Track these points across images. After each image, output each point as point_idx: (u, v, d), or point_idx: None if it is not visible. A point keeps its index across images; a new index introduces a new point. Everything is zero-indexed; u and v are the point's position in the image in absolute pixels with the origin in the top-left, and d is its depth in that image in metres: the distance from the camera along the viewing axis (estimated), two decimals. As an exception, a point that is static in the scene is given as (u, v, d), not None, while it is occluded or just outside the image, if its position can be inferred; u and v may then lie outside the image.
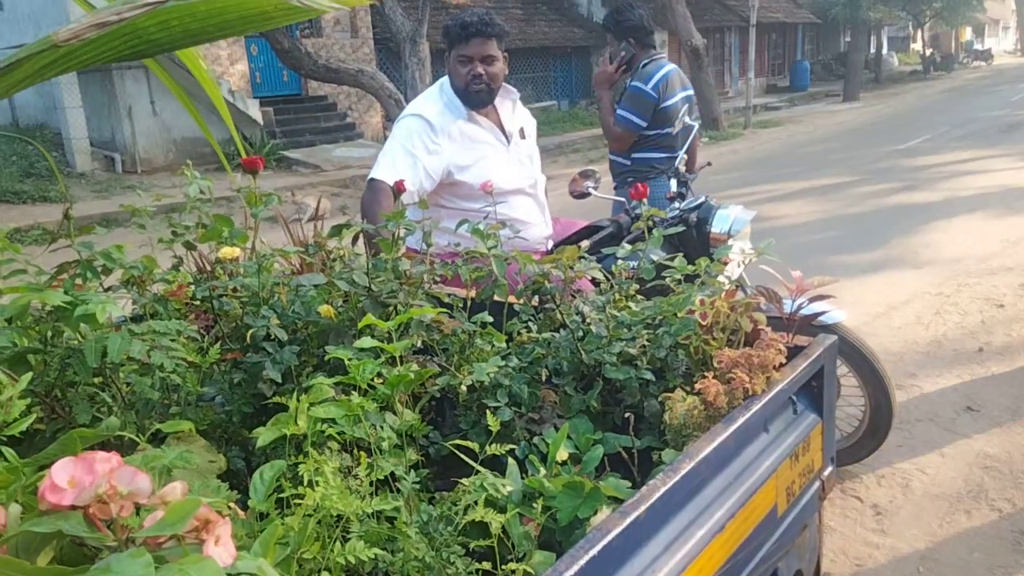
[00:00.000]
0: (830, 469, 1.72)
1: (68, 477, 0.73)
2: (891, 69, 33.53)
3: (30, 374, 0.99)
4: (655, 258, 1.77)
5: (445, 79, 2.68)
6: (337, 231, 1.57)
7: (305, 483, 0.98)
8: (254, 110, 14.55)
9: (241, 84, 15.17)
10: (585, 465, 1.40)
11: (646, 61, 3.62)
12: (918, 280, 5.86)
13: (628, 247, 1.72)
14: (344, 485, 0.98)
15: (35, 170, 11.70)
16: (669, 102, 3.57)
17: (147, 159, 13.48)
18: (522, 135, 2.79)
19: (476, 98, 2.61)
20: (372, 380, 1.17)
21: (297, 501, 0.95)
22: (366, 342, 1.21)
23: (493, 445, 1.22)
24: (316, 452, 1.07)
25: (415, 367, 1.26)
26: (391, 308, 1.45)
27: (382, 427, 1.14)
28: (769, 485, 1.45)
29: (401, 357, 1.23)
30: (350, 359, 1.18)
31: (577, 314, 1.55)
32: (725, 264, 1.73)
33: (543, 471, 1.33)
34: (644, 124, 3.56)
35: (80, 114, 12.57)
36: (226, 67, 14.86)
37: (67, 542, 0.78)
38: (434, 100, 2.65)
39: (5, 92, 1.09)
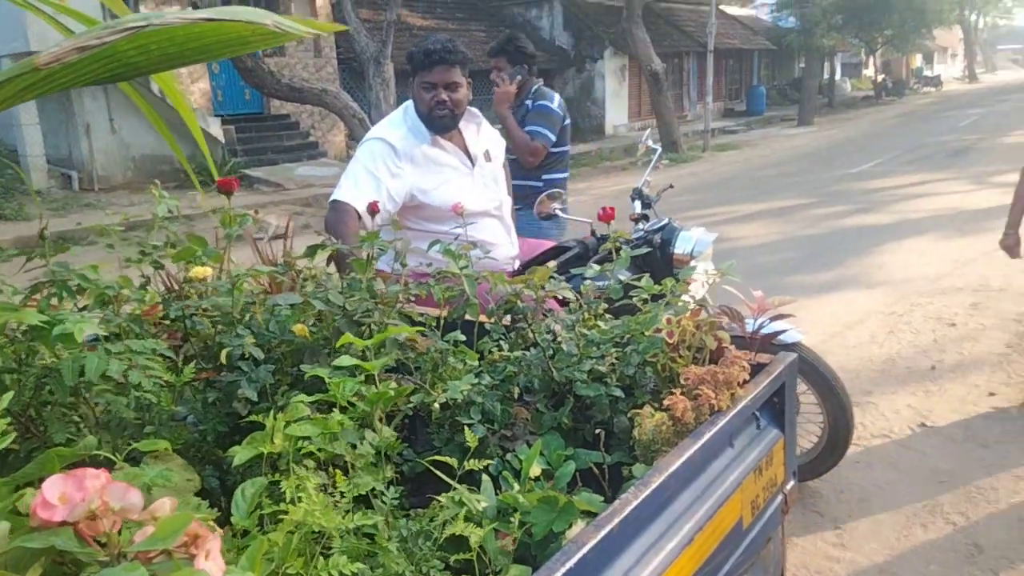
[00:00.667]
0: (792, 483, 1.77)
1: (59, 493, 0.74)
2: (844, 94, 34.41)
3: (10, 393, 0.99)
4: (622, 278, 1.82)
5: (409, 103, 2.71)
6: (312, 251, 1.59)
7: (288, 499, 0.99)
8: (215, 128, 14.44)
9: (202, 102, 15.06)
10: (557, 481, 1.43)
11: (536, 86, 3.88)
12: (872, 300, 6.02)
13: (596, 267, 1.77)
14: (325, 501, 1.00)
15: (-11, 188, 11.45)
16: (567, 121, 3.91)
17: (105, 177, 13.27)
18: (487, 157, 2.82)
19: (440, 124, 2.64)
20: (351, 398, 1.18)
21: (281, 517, 0.96)
22: (345, 360, 1.23)
23: (470, 461, 1.24)
24: (297, 469, 1.09)
25: (393, 384, 1.28)
26: (365, 328, 1.47)
27: (361, 444, 1.16)
28: (735, 499, 1.50)
29: (377, 375, 1.25)
30: (329, 377, 1.19)
31: (548, 332, 1.58)
32: (689, 284, 1.78)
33: (517, 487, 1.36)
34: (555, 139, 3.81)
35: (37, 131, 12.35)
36: (187, 85, 14.72)
37: (50, 560, 0.79)
38: (398, 124, 2.68)
39: (-15, 113, 1.09)
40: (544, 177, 3.85)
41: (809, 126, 23.56)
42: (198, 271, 1.67)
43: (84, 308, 1.33)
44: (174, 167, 14.35)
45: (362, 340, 1.30)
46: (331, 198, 2.51)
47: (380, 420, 1.21)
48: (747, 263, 6.86)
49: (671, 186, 3.51)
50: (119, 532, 0.74)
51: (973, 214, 8.78)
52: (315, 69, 16.64)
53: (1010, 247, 3.87)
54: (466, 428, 1.34)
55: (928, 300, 5.92)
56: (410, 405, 1.45)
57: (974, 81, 47.67)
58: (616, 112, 22.73)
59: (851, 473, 3.41)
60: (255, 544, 0.84)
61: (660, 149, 3.53)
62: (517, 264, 2.87)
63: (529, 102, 3.80)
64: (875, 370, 4.63)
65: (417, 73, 2.62)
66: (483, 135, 2.86)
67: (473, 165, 2.74)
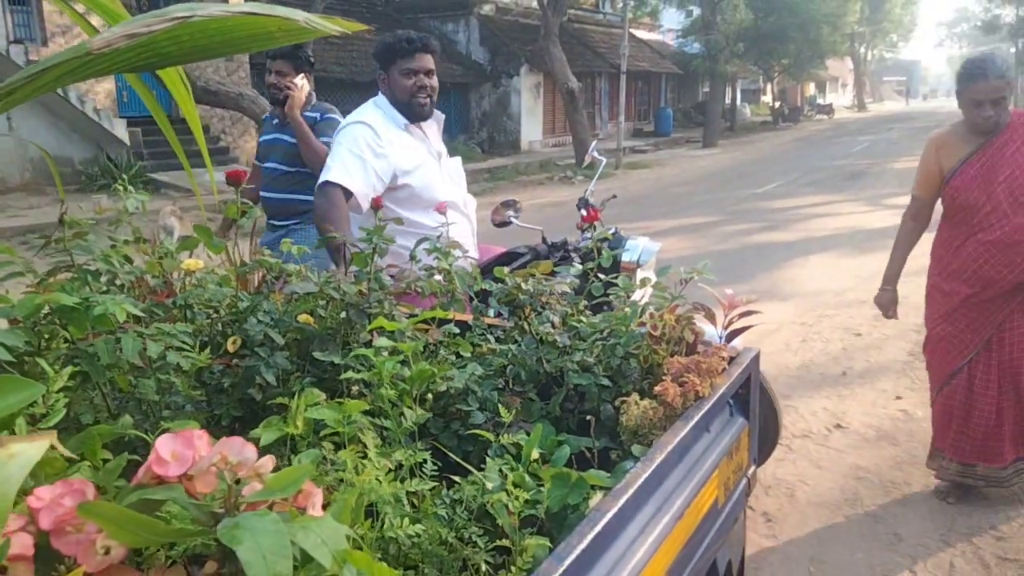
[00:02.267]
0: (753, 468, 1.91)
1: (171, 451, 0.78)
2: (744, 119, 36.00)
3: (71, 367, 1.00)
4: (568, 281, 1.94)
5: (375, 99, 2.77)
6: (321, 244, 1.63)
7: (350, 468, 1.04)
8: (120, 130, 13.93)
9: (107, 103, 14.50)
10: (554, 463, 1.52)
11: (314, 98, 3.66)
12: (784, 311, 6.36)
13: (579, 267, 1.87)
14: (385, 468, 1.05)
15: None
16: None
17: (1, 178, 12.60)
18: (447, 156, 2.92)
19: (419, 111, 2.70)
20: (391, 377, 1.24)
21: (351, 482, 1.01)
22: (384, 342, 1.29)
23: (501, 435, 1.31)
24: (331, 447, 1.14)
25: (427, 365, 1.34)
26: (371, 318, 1.52)
27: (403, 420, 1.22)
28: (713, 479, 1.62)
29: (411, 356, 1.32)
30: (375, 356, 1.25)
31: (547, 322, 1.67)
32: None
33: (519, 468, 1.44)
34: None
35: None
36: (90, 85, 14.15)
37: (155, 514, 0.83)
38: (370, 112, 2.72)
39: (32, 94, 1.10)
40: None
41: (713, 148, 24.54)
42: (190, 263, 1.68)
43: (107, 292, 1.34)
44: (75, 169, 13.74)
45: (394, 324, 1.36)
46: (319, 181, 2.50)
47: (415, 400, 1.27)
48: (665, 277, 7.12)
49: (614, 196, 3.67)
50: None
51: (870, 233, 9.37)
52: (227, 73, 16.28)
53: (885, 305, 3.40)
54: (499, 404, 1.41)
55: (835, 312, 6.30)
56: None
57: (863, 110, 50.71)
58: (531, 128, 23.10)
59: (777, 469, 3.63)
60: (339, 503, 0.89)
61: (604, 160, 3.68)
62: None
63: (315, 114, 3.53)
64: (791, 376, 4.91)
65: (396, 61, 2.67)
66: (440, 138, 2.93)
67: (439, 158, 2.81)
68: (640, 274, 2.98)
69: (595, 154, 3.72)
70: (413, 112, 2.70)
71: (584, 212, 3.38)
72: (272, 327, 1.39)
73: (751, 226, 10.51)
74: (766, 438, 3.30)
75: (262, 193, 3.59)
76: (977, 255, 2.99)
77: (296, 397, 1.29)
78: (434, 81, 2.72)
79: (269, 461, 0.82)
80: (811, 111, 42.79)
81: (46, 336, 1.22)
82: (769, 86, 38.02)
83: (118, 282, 1.38)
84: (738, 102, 35.66)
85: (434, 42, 2.72)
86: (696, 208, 12.36)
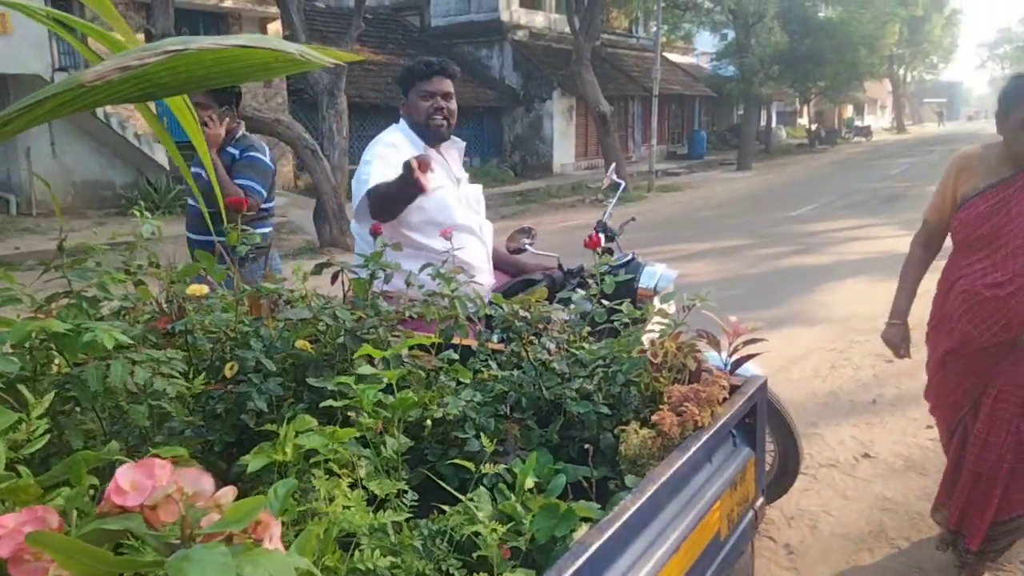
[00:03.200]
0: (761, 500, 1.87)
1: (130, 481, 0.78)
2: (780, 141, 35.71)
3: (51, 395, 1.02)
4: (572, 307, 1.92)
5: (396, 124, 2.81)
6: (318, 270, 1.64)
7: (322, 497, 1.04)
8: (160, 154, 14.25)
9: (147, 129, 14.83)
10: (549, 493, 1.50)
11: (241, 132, 3.48)
12: (813, 336, 6.25)
13: (582, 292, 1.86)
14: (357, 499, 1.05)
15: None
16: (275, 175, 3.56)
17: (44, 201, 12.95)
18: (467, 182, 2.94)
19: (436, 132, 2.75)
20: (372, 405, 1.24)
21: (320, 513, 1.01)
22: (366, 369, 1.29)
23: (486, 464, 1.30)
24: (322, 474, 1.14)
25: (411, 393, 1.34)
26: (368, 344, 1.52)
27: (384, 449, 1.22)
28: (714, 511, 1.59)
29: (395, 385, 1.32)
30: (355, 384, 1.25)
31: (543, 350, 1.66)
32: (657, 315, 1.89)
33: (513, 497, 1.42)
34: (266, 195, 3.45)
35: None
36: (131, 111, 14.52)
37: (113, 545, 0.83)
38: (393, 134, 2.77)
39: (26, 125, 1.13)
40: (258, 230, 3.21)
41: (747, 170, 24.36)
42: (194, 289, 1.71)
43: (101, 318, 1.36)
44: (115, 193, 14.08)
45: (380, 351, 1.36)
46: (365, 191, 2.52)
47: (398, 428, 1.27)
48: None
49: (633, 219, 3.65)
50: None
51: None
52: (265, 99, 16.62)
53: (894, 343, 2.99)
54: (482, 436, 1.40)
55: (866, 337, 6.18)
56: (409, 418, 1.50)
57: (902, 132, 50.01)
58: (563, 151, 23.17)
59: (801, 500, 3.55)
60: (304, 533, 0.89)
61: (623, 183, 3.66)
62: (490, 293, 2.95)
63: (235, 150, 3.32)
64: (819, 403, 4.81)
65: (415, 84, 2.73)
66: (460, 163, 2.95)
67: (458, 183, 2.83)
68: (656, 301, 2.95)
69: (613, 176, 3.70)
70: (431, 133, 2.75)
71: (602, 236, 3.36)
72: (265, 353, 1.40)
73: (783, 249, 10.39)
74: (786, 469, 3.23)
75: (186, 233, 3.27)
76: (957, 304, 2.64)
77: (287, 423, 1.30)
78: (452, 104, 2.76)
79: (230, 492, 0.82)
80: (849, 133, 42.34)
81: (42, 362, 1.24)
82: (805, 108, 37.71)
83: (111, 308, 1.40)
84: (774, 124, 35.41)
85: (454, 67, 2.77)
86: (728, 231, 12.26)
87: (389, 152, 2.61)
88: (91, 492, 1.04)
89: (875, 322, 6.62)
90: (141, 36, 12.76)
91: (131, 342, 1.20)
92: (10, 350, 1.20)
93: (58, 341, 1.18)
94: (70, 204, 13.45)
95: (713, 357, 1.86)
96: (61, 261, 1.33)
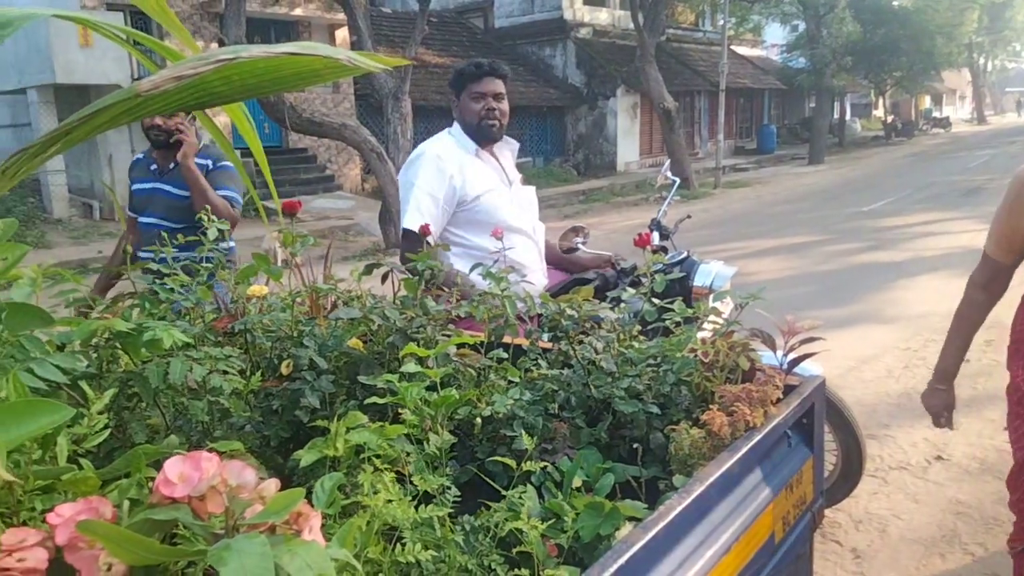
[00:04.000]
0: (820, 502, 1.83)
1: (178, 473, 0.82)
2: (854, 134, 34.71)
3: (112, 391, 1.07)
4: (622, 306, 1.91)
5: (449, 128, 2.85)
6: (368, 270, 1.68)
7: (367, 491, 1.07)
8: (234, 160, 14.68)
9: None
10: (597, 492, 1.50)
11: (203, 141, 3.25)
12: (887, 335, 6.06)
13: (631, 291, 1.85)
14: (400, 494, 1.08)
15: (12, 215, 11.65)
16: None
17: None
18: (521, 183, 2.95)
19: (488, 133, 2.78)
20: (416, 402, 1.27)
21: (364, 506, 1.04)
22: (410, 367, 1.32)
23: (528, 462, 1.31)
24: (366, 467, 1.16)
25: (454, 391, 1.36)
26: (417, 342, 1.55)
27: (427, 445, 1.24)
28: (768, 513, 1.56)
29: (438, 383, 1.34)
30: (399, 382, 1.28)
31: (590, 349, 1.66)
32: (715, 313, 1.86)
33: (560, 496, 1.43)
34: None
35: (59, 161, 12.61)
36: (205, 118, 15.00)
37: (164, 534, 0.87)
38: (443, 139, 2.82)
39: (88, 134, 1.19)
40: (231, 244, 3.15)
41: (820, 164, 23.75)
42: (255, 289, 1.76)
43: (163, 318, 1.42)
44: (192, 198, 14.58)
45: (425, 350, 1.39)
46: (403, 228, 2.62)
47: (441, 425, 1.29)
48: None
49: (688, 216, 3.60)
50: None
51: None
52: (333, 104, 16.97)
53: (936, 410, 2.49)
54: (523, 434, 1.41)
55: (942, 336, 5.93)
56: (459, 417, 1.52)
57: (982, 123, 47.97)
58: (628, 149, 23.00)
59: (870, 503, 3.45)
60: (345, 526, 0.92)
61: (678, 180, 3.62)
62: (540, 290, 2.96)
63: (206, 161, 3.12)
64: (892, 404, 4.67)
65: (466, 86, 2.77)
66: (513, 164, 2.97)
67: (510, 185, 2.85)
68: (712, 300, 2.90)
69: (668, 174, 3.66)
70: (483, 135, 2.78)
71: (656, 234, 3.34)
72: (317, 352, 1.44)
73: (856, 245, 10.09)
74: (849, 471, 3.15)
75: (141, 254, 3.02)
76: None
77: (338, 420, 1.33)
78: (504, 105, 2.78)
79: (273, 484, 0.85)
80: (926, 125, 40.83)
81: (108, 360, 1.31)
82: (881, 100, 36.53)
83: (175, 308, 1.46)
84: (847, 117, 34.43)
85: (504, 68, 2.79)
86: (798, 227, 11.98)
87: (431, 173, 2.64)
88: (149, 484, 1.09)
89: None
90: (214, 45, 13.17)
91: (189, 340, 1.25)
92: (78, 348, 1.26)
93: (122, 340, 1.24)
94: (149, 209, 13.99)
95: (770, 357, 1.82)
96: (126, 265, 1.40)
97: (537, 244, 2.86)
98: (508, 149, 2.93)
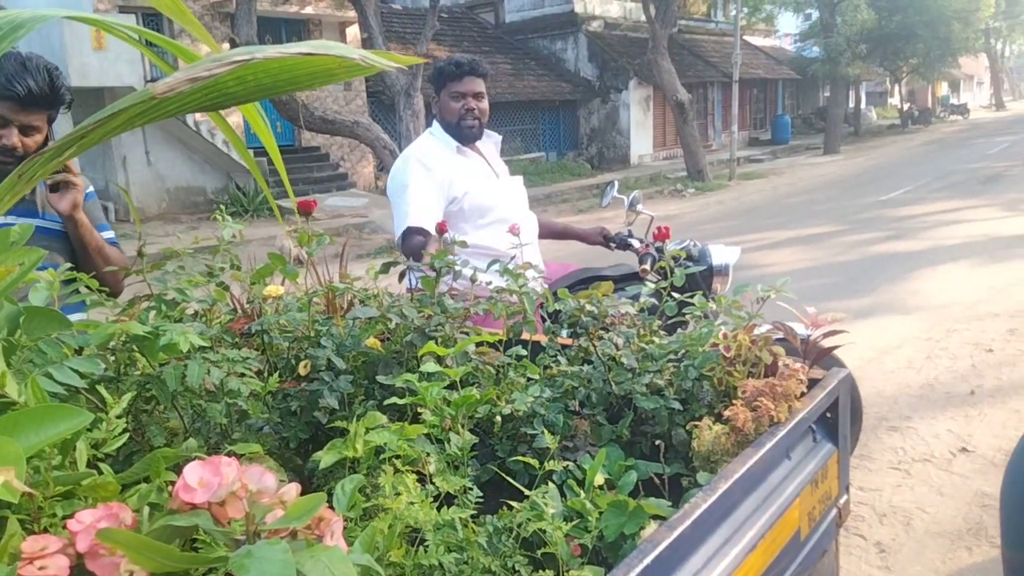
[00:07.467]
0: (846, 497, 1.80)
1: (198, 478, 0.81)
2: (870, 123, 34.39)
3: (129, 394, 1.06)
4: (642, 301, 1.89)
5: (430, 128, 2.87)
6: (386, 268, 1.67)
7: (388, 493, 1.05)
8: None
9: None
10: (620, 489, 1.48)
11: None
12: (907, 326, 6.00)
13: (651, 285, 1.83)
14: (421, 496, 1.06)
15: (30, 218, 11.74)
16: None
17: (140, 208, 13.59)
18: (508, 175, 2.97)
19: (468, 132, 2.77)
20: (437, 402, 1.25)
21: (385, 508, 1.03)
22: (430, 367, 1.30)
23: (550, 461, 1.30)
24: (386, 468, 1.15)
25: (475, 391, 1.34)
26: (435, 341, 1.54)
27: (447, 446, 1.23)
28: (793, 509, 1.53)
29: (458, 382, 1.32)
30: (419, 382, 1.26)
31: (611, 345, 1.64)
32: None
33: (582, 494, 1.41)
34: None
35: (75, 164, 12.68)
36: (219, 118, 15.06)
37: (184, 540, 0.86)
38: (425, 142, 2.83)
39: (102, 137, 1.18)
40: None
41: (835, 154, 23.55)
42: (271, 290, 1.75)
43: (179, 320, 1.41)
44: (207, 198, 14.67)
45: (444, 349, 1.37)
46: (402, 228, 2.61)
47: (462, 424, 1.28)
48: (779, 290, 6.88)
49: (653, 217, 3.53)
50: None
51: (1007, 240, 8.72)
52: (345, 102, 16.99)
53: None
54: (545, 432, 1.39)
55: (965, 326, 5.89)
56: (479, 415, 1.51)
57: (1001, 109, 47.40)
58: (641, 142, 22.90)
59: (894, 496, 3.41)
60: (368, 530, 0.90)
61: (633, 194, 3.53)
62: (544, 285, 2.95)
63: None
64: (914, 395, 4.62)
65: (445, 85, 2.76)
66: (498, 157, 2.97)
67: (498, 177, 2.86)
68: (729, 292, 2.88)
69: (614, 194, 3.58)
70: (462, 134, 2.78)
71: (660, 228, 3.29)
72: (335, 352, 1.43)
73: (874, 235, 9.99)
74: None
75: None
76: None
77: (357, 420, 1.32)
78: (483, 104, 2.78)
79: (294, 488, 0.83)
80: (944, 112, 40.43)
81: (125, 363, 1.30)
82: (897, 87, 36.15)
83: (190, 311, 1.46)
84: (863, 105, 34.10)
85: (484, 67, 2.78)
86: (814, 217, 11.88)
87: (420, 177, 2.65)
88: (169, 488, 1.08)
89: (975, 309, 6.34)
90: (226, 45, 13.21)
91: (206, 343, 1.25)
92: (95, 352, 1.26)
93: (138, 343, 1.23)
94: (165, 210, 14.08)
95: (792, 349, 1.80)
96: (142, 266, 1.39)
97: (528, 234, 2.86)
98: (491, 142, 2.94)
